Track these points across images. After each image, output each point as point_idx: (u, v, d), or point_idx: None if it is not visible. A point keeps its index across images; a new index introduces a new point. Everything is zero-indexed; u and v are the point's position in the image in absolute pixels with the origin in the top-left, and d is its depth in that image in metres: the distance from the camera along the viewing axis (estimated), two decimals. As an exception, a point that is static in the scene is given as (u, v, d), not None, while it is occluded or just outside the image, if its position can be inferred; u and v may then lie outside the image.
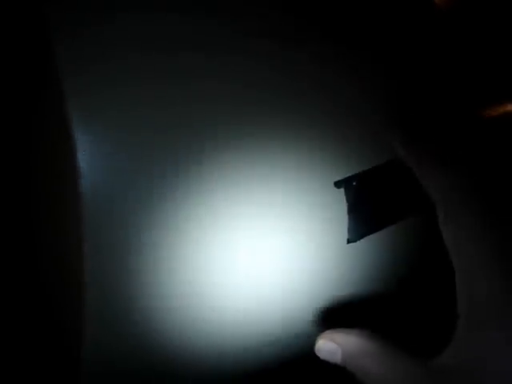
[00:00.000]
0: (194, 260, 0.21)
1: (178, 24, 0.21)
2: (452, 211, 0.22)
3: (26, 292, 0.25)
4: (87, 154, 0.19)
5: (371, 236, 0.24)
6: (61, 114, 0.19)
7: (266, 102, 0.22)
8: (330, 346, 0.23)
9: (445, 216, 0.22)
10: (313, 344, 0.24)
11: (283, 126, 0.23)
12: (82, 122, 0.19)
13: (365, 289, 0.25)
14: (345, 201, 0.24)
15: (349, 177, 0.24)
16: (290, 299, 0.24)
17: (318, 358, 0.24)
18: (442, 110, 0.26)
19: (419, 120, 0.25)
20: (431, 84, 0.26)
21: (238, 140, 0.22)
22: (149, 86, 0.20)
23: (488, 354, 0.20)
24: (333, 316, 0.25)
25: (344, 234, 0.24)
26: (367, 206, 0.24)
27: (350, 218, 0.24)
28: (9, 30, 0.23)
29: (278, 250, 0.23)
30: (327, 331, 0.24)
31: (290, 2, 0.24)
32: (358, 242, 0.24)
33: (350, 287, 0.25)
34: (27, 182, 0.24)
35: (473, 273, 0.21)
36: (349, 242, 0.24)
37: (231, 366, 0.25)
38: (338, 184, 0.23)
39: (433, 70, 0.26)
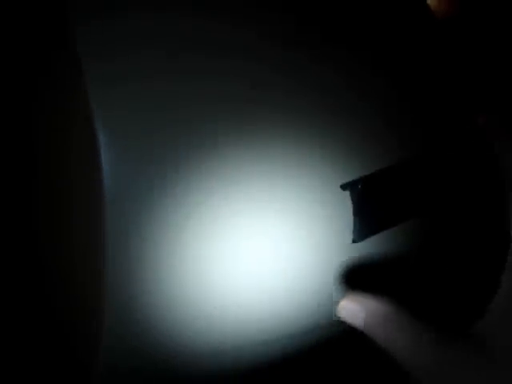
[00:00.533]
0: (194, 257, 0.22)
1: (177, 24, 0.22)
2: None
3: (35, 294, 0.26)
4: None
5: None
6: (85, 110, 0.20)
7: (265, 101, 0.23)
8: (355, 306, 0.22)
9: None
10: (316, 342, 0.24)
11: (283, 123, 0.23)
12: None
13: (386, 256, 0.25)
14: (345, 198, 0.24)
15: (354, 180, 0.25)
16: (291, 296, 0.24)
17: (321, 356, 0.24)
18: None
19: (502, 93, 0.25)
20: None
21: (238, 138, 0.22)
22: (147, 85, 0.21)
23: None
24: (353, 282, 0.24)
25: (346, 229, 0.25)
26: (372, 208, 0.25)
27: (355, 220, 0.25)
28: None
29: (278, 247, 0.23)
30: (351, 293, 0.23)
31: (292, 2, 0.24)
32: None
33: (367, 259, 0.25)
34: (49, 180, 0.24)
35: None
36: (354, 242, 0.25)
37: (232, 364, 0.25)
38: (343, 187, 0.24)
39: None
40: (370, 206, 0.25)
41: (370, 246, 0.25)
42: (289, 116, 0.24)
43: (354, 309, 0.23)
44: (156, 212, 0.21)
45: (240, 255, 0.23)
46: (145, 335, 0.22)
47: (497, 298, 0.21)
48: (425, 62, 0.27)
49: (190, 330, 0.23)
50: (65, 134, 0.22)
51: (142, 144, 0.21)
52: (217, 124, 0.22)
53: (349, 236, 0.25)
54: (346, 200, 0.25)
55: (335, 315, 0.24)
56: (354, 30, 0.25)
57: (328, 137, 0.24)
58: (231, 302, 0.23)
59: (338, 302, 0.24)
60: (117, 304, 0.21)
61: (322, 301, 0.25)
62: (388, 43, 0.26)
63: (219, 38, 0.22)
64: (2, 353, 0.25)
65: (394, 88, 0.26)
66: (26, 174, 0.23)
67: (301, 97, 0.24)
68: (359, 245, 0.25)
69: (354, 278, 0.24)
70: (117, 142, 0.20)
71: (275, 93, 0.23)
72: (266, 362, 0.25)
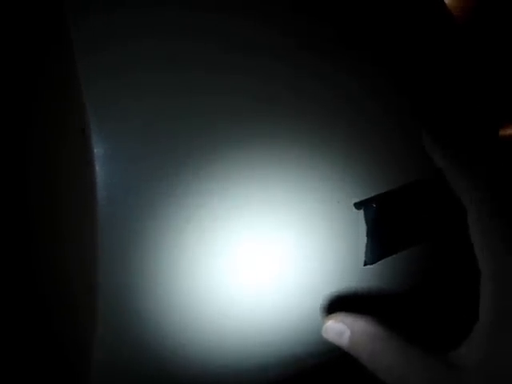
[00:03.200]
0: (194, 262, 0.21)
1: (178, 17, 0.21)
2: (482, 214, 0.21)
3: (34, 297, 0.25)
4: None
5: None
6: (80, 111, 0.19)
7: (266, 102, 0.22)
8: (339, 326, 0.23)
9: (475, 218, 0.21)
10: (316, 347, 0.24)
11: (284, 126, 0.22)
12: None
13: (376, 281, 0.25)
14: (347, 203, 0.23)
15: (369, 198, 0.23)
16: (292, 300, 0.23)
17: (321, 365, 0.24)
18: (468, 117, 0.26)
19: (450, 123, 0.25)
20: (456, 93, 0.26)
21: (238, 141, 0.21)
22: (146, 88, 0.20)
23: (507, 359, 0.19)
24: (341, 306, 0.24)
25: (348, 233, 0.23)
26: (386, 229, 0.24)
27: (368, 241, 0.23)
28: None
29: (279, 251, 0.22)
30: (336, 313, 0.23)
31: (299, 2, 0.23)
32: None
33: (358, 281, 0.25)
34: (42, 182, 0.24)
35: (500, 277, 0.20)
36: (365, 264, 0.23)
37: (234, 367, 0.24)
38: (357, 205, 0.23)
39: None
40: (385, 227, 0.23)
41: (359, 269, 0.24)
42: (304, 126, 0.22)
43: (338, 328, 0.23)
44: (157, 217, 0.20)
45: (240, 260, 0.22)
46: (139, 343, 0.22)
47: (479, 325, 0.21)
48: (447, 83, 0.26)
49: (187, 337, 0.22)
50: (59, 138, 0.21)
51: (142, 148, 0.20)
52: (216, 127, 0.21)
53: (349, 256, 0.24)
54: (352, 218, 0.23)
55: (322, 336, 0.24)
56: (380, 46, 0.24)
57: (330, 138, 0.23)
58: (232, 306, 0.22)
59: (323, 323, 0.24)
60: (110, 311, 0.20)
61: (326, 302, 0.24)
62: (413, 62, 0.25)
63: (221, 36, 0.21)
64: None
65: (415, 106, 0.25)
66: (19, 180, 0.22)
67: (320, 107, 0.23)
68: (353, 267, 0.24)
69: (340, 299, 0.24)
70: (113, 149, 0.19)
71: (288, 101, 0.22)
72: (269, 368, 0.25)
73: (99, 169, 0.18)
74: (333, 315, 0.23)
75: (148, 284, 0.20)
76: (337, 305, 0.24)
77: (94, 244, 0.19)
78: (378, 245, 0.23)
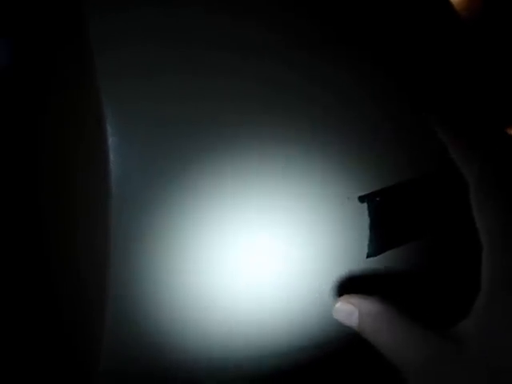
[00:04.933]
0: (196, 262, 0.22)
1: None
2: (484, 193, 0.22)
3: (42, 297, 0.25)
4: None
5: None
6: (96, 103, 0.19)
7: (270, 102, 0.22)
8: (348, 307, 0.23)
9: (477, 197, 0.22)
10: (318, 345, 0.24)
11: (286, 126, 0.23)
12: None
13: (380, 261, 0.25)
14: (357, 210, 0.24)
15: (373, 192, 0.24)
16: (299, 285, 0.24)
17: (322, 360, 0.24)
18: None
19: (456, 100, 0.25)
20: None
21: (238, 142, 0.22)
22: (159, 84, 0.20)
23: (507, 327, 0.20)
24: (349, 288, 0.25)
25: (353, 221, 0.24)
26: (389, 223, 0.24)
27: (371, 234, 0.24)
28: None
29: (280, 250, 0.23)
30: (345, 295, 0.24)
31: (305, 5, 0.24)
32: None
33: (363, 263, 0.25)
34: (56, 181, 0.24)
35: (500, 250, 0.21)
36: (368, 256, 0.24)
37: (235, 367, 0.25)
38: (361, 199, 0.24)
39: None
40: (388, 220, 0.24)
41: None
42: (306, 125, 0.23)
43: (347, 310, 0.24)
44: (161, 218, 0.21)
45: (242, 260, 0.22)
46: (145, 339, 0.22)
47: (478, 299, 0.21)
48: (448, 83, 0.26)
49: (192, 332, 0.23)
50: (74, 134, 0.21)
51: (155, 142, 0.20)
52: (219, 128, 0.21)
53: (354, 248, 0.24)
54: (357, 212, 0.24)
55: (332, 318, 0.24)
56: (383, 50, 0.25)
57: (349, 147, 0.23)
58: (232, 306, 0.23)
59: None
60: (118, 308, 0.21)
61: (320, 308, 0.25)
62: (415, 66, 0.25)
63: (228, 38, 0.22)
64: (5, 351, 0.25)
65: (419, 105, 0.25)
66: (32, 174, 0.22)
67: (324, 108, 0.23)
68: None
69: (349, 281, 0.25)
70: (127, 140, 0.20)
71: (293, 100, 0.23)
72: (269, 366, 0.25)
73: (113, 160, 0.19)
74: (341, 297, 0.24)
75: (160, 280, 0.21)
76: (345, 287, 0.24)
77: (107, 238, 0.19)
78: (381, 238, 0.24)
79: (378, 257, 0.25)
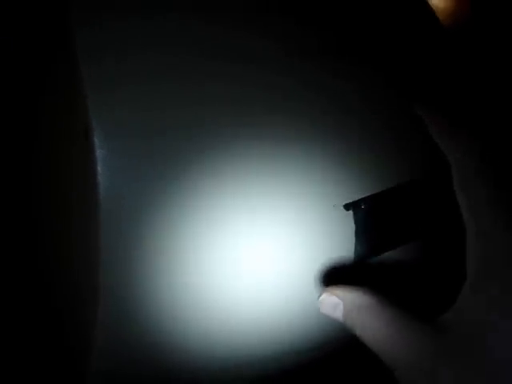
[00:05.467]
0: (195, 264, 0.22)
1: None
2: (467, 174, 0.22)
3: (35, 296, 0.26)
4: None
5: None
6: (83, 114, 0.20)
7: (265, 107, 0.23)
8: (333, 299, 0.23)
9: (460, 178, 0.22)
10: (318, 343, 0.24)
11: (286, 127, 0.23)
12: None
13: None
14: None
15: (357, 200, 0.24)
16: (293, 299, 0.24)
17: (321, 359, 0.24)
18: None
19: (437, 84, 0.25)
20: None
21: (237, 144, 0.22)
22: (147, 89, 0.21)
23: (490, 317, 0.20)
24: (335, 276, 0.25)
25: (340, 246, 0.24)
26: (374, 230, 0.25)
27: (356, 241, 0.24)
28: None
29: (280, 250, 0.23)
30: (330, 287, 0.24)
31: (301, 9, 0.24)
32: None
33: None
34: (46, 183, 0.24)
35: (486, 234, 0.21)
36: (355, 261, 0.24)
37: (234, 368, 0.25)
38: (346, 206, 0.24)
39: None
40: (373, 227, 0.24)
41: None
42: (301, 130, 0.23)
43: (332, 301, 0.23)
44: (156, 221, 0.21)
45: (241, 261, 0.23)
46: (141, 339, 0.22)
47: (463, 290, 0.21)
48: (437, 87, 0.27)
49: (191, 333, 0.23)
50: (64, 140, 0.21)
51: (141, 150, 0.20)
52: (218, 129, 0.22)
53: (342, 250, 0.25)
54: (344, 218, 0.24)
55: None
56: (380, 58, 0.25)
57: (328, 139, 0.24)
58: (232, 306, 0.23)
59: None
60: (118, 310, 0.21)
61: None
62: (408, 72, 0.26)
63: (225, 42, 0.22)
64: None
65: (405, 113, 0.25)
66: (25, 181, 0.22)
67: (321, 114, 0.24)
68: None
69: (334, 273, 0.25)
70: (114, 150, 0.20)
71: (290, 106, 0.23)
72: (270, 366, 0.26)
73: (101, 170, 0.19)
74: (326, 289, 0.24)
75: (150, 282, 0.21)
76: (331, 280, 0.24)
77: (98, 244, 0.19)
78: (366, 244, 0.24)
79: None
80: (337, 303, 0.23)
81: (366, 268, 0.25)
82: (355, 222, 0.24)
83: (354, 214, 0.24)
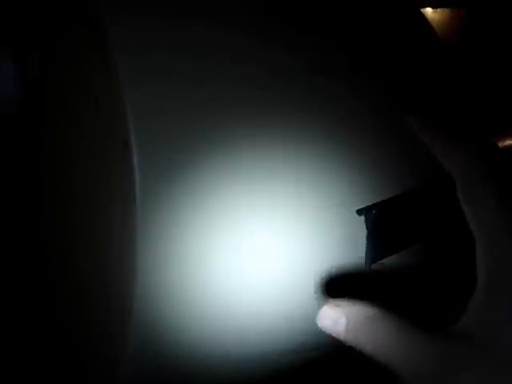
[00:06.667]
0: (196, 264, 0.22)
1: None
2: (470, 185, 0.22)
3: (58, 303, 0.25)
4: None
5: None
6: (123, 125, 0.20)
7: (267, 105, 0.23)
8: (335, 313, 0.22)
9: (463, 189, 0.22)
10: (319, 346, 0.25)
11: (284, 127, 0.23)
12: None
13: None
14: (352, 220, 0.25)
15: (369, 205, 0.25)
16: (292, 299, 0.24)
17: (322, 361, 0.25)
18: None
19: (433, 102, 0.26)
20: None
21: (238, 143, 0.22)
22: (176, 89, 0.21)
23: (503, 324, 0.20)
24: (337, 289, 0.25)
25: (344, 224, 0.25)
26: (384, 234, 0.26)
27: (367, 246, 0.25)
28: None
29: (280, 251, 0.24)
30: (331, 300, 0.23)
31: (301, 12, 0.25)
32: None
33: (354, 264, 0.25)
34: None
35: (494, 241, 0.21)
36: (366, 267, 0.25)
37: (235, 368, 0.25)
38: (359, 212, 0.25)
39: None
40: (383, 232, 0.26)
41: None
42: (310, 137, 0.24)
43: (334, 315, 0.22)
44: (156, 221, 0.21)
45: (242, 262, 0.23)
46: (168, 336, 0.22)
47: (475, 294, 0.21)
48: (437, 92, 0.28)
49: (194, 333, 0.23)
50: (104, 151, 0.21)
51: (178, 160, 0.21)
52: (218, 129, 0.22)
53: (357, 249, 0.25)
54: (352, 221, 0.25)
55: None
56: (380, 65, 0.26)
57: (346, 161, 0.25)
58: (234, 309, 0.23)
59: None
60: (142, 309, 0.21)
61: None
62: (407, 77, 0.27)
63: (228, 45, 0.23)
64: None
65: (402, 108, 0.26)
66: (65, 191, 0.22)
67: (327, 122, 0.24)
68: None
69: (334, 286, 0.25)
70: (152, 160, 0.20)
71: (298, 112, 0.24)
72: (271, 367, 0.26)
73: (138, 179, 0.19)
74: (328, 302, 0.23)
75: (186, 290, 0.21)
76: (332, 292, 0.24)
77: (134, 254, 0.19)
78: (377, 249, 0.26)
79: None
80: (339, 316, 0.22)
81: (371, 275, 0.25)
82: (367, 227, 0.25)
83: (366, 219, 0.25)
